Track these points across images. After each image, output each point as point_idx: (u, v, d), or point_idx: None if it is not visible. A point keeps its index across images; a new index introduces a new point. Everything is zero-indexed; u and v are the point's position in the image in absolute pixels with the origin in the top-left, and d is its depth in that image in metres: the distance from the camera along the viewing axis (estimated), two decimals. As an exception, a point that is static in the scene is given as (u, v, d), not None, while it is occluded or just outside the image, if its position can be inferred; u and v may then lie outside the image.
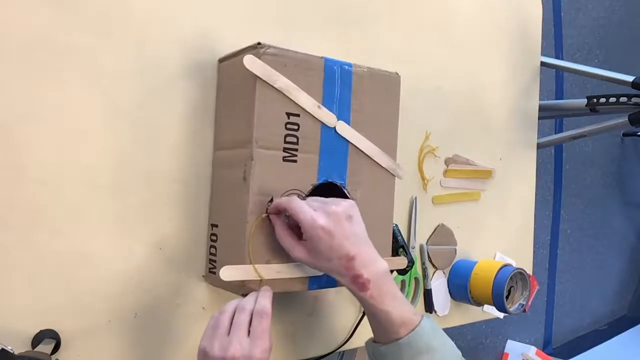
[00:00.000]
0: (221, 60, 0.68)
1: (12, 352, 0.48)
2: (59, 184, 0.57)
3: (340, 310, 0.82)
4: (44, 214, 0.57)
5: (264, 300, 0.54)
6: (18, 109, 0.55)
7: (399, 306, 0.58)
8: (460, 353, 0.61)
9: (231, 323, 0.53)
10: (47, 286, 0.57)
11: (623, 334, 2.89)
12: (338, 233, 0.57)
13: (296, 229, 0.60)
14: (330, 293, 0.80)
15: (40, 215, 0.56)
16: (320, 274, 0.65)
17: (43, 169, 0.57)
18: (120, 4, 0.61)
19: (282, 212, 0.61)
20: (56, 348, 0.56)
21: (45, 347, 0.54)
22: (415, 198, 0.92)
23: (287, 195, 0.62)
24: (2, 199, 0.54)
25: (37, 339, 0.55)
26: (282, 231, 0.60)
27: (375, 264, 0.58)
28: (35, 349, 0.54)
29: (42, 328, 0.56)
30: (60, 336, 0.57)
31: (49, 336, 0.56)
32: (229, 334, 0.52)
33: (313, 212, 0.57)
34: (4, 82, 0.54)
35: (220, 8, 0.69)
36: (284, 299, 0.73)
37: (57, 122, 0.57)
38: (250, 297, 0.56)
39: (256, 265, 0.60)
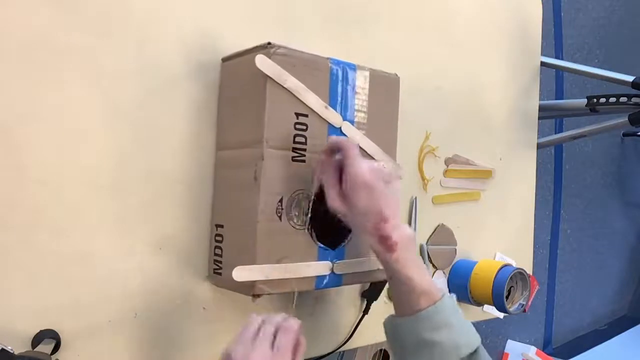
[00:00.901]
0: (225, 60, 0.68)
1: (12, 352, 0.48)
2: (59, 184, 0.57)
3: (340, 310, 0.82)
4: (44, 214, 0.57)
5: (293, 320, 0.54)
6: (18, 109, 0.55)
7: (422, 275, 0.59)
8: (479, 337, 0.60)
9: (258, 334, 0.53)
10: (47, 286, 0.57)
11: (623, 334, 2.89)
12: (379, 190, 0.58)
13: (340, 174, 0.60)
14: (331, 293, 0.80)
15: (40, 215, 0.56)
16: (327, 273, 0.65)
17: (43, 169, 0.57)
18: (120, 4, 0.61)
19: (335, 153, 0.61)
20: (56, 348, 0.56)
21: (45, 347, 0.54)
22: (415, 198, 0.92)
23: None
24: (2, 199, 0.54)
25: (37, 339, 0.55)
26: (328, 172, 0.60)
27: (404, 229, 0.60)
28: (35, 349, 0.54)
29: (42, 328, 0.56)
30: (60, 336, 0.57)
31: (49, 336, 0.56)
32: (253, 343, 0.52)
33: (363, 163, 0.58)
34: (4, 82, 0.54)
35: (221, 8, 0.69)
36: (284, 299, 0.73)
37: (57, 122, 0.57)
38: (280, 315, 0.56)
39: (266, 266, 0.60)
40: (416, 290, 0.58)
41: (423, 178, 0.93)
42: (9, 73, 0.54)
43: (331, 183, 0.60)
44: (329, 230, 0.68)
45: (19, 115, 0.55)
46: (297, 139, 0.62)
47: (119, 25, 0.61)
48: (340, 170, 0.60)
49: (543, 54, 1.21)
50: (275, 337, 0.53)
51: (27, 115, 0.56)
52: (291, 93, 0.61)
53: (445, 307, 0.58)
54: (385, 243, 0.58)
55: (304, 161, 0.63)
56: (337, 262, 0.67)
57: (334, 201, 0.60)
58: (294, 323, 0.54)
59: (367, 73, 0.68)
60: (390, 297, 0.88)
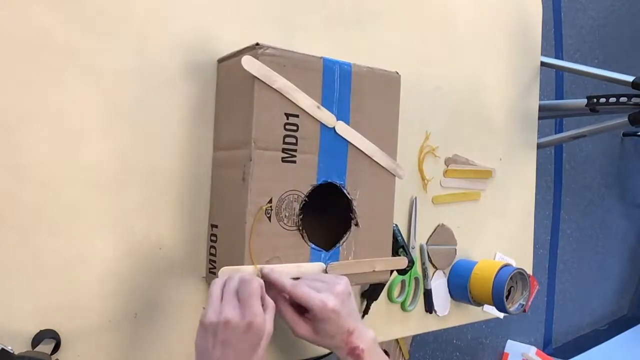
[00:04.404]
0: (220, 61, 0.68)
1: (12, 352, 0.48)
2: (59, 184, 0.57)
3: (340, 310, 0.82)
4: (44, 214, 0.57)
5: (254, 277, 0.56)
6: (18, 109, 0.55)
7: None
8: None
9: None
10: (47, 286, 0.57)
11: (623, 334, 2.90)
12: (344, 312, 0.59)
13: (296, 305, 0.60)
14: (330, 293, 0.80)
15: (40, 215, 0.56)
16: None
17: (43, 169, 0.57)
18: (120, 4, 0.61)
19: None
20: (56, 348, 0.56)
21: (45, 347, 0.54)
22: (415, 198, 0.92)
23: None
24: (2, 199, 0.54)
25: (37, 339, 0.55)
26: (285, 308, 0.61)
27: (367, 334, 0.61)
28: (35, 349, 0.54)
29: (42, 328, 0.56)
30: (60, 336, 0.57)
31: (49, 336, 0.56)
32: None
33: (321, 295, 0.58)
34: (4, 82, 0.54)
35: (220, 8, 0.69)
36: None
37: (57, 122, 0.57)
38: (242, 270, 0.58)
39: (255, 266, 0.60)
40: None
41: (423, 178, 0.93)
42: (9, 73, 0.54)
43: (293, 315, 0.60)
44: (323, 231, 0.68)
45: (19, 115, 0.55)
46: (288, 139, 0.62)
47: (119, 25, 0.61)
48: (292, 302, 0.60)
49: (543, 54, 1.22)
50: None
51: (27, 115, 0.56)
52: (281, 94, 0.61)
53: None
54: (354, 353, 0.60)
55: (294, 162, 0.63)
56: (331, 263, 0.66)
57: (301, 331, 0.60)
58: (255, 277, 0.55)
59: (365, 72, 0.68)
60: (390, 298, 0.88)
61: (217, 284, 0.55)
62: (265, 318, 0.53)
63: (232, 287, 0.54)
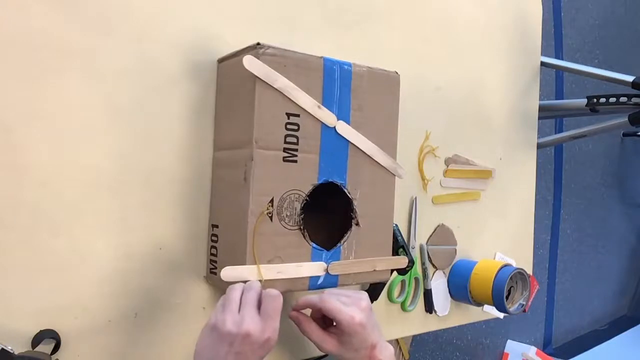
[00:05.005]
0: (220, 61, 0.68)
1: (12, 352, 0.48)
2: (59, 184, 0.57)
3: (340, 310, 0.82)
4: (44, 214, 0.57)
5: (274, 290, 0.56)
6: (18, 109, 0.55)
7: None
8: None
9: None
10: (47, 286, 0.57)
11: (623, 334, 2.90)
12: (369, 325, 0.61)
13: (319, 320, 0.62)
14: (330, 293, 0.80)
15: (40, 215, 0.56)
16: (320, 274, 0.65)
17: (43, 169, 0.57)
18: (120, 4, 0.61)
19: (311, 309, 0.63)
20: (56, 348, 0.56)
21: (45, 347, 0.54)
22: (415, 198, 0.92)
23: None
24: (2, 199, 0.54)
25: (37, 339, 0.55)
26: (309, 326, 0.62)
27: (388, 349, 0.63)
28: (35, 349, 0.54)
29: (42, 328, 0.56)
30: (60, 336, 0.57)
31: (49, 336, 0.56)
32: (239, 311, 0.53)
33: (349, 309, 0.60)
34: (4, 82, 0.54)
35: (221, 8, 0.69)
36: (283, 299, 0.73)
37: (57, 122, 0.57)
38: (257, 282, 0.58)
39: (256, 266, 0.60)
40: None
41: (423, 178, 0.93)
42: (9, 73, 0.54)
43: (319, 332, 0.62)
44: (324, 230, 0.68)
45: (19, 115, 0.55)
46: (289, 139, 0.62)
47: (119, 25, 0.61)
48: (318, 315, 0.63)
49: (543, 54, 1.22)
50: (259, 302, 0.54)
51: (27, 115, 0.56)
52: (282, 93, 0.61)
53: None
54: None
55: (295, 161, 0.63)
56: (332, 262, 0.66)
57: (328, 346, 0.61)
58: (276, 290, 0.55)
59: (364, 71, 0.68)
60: (390, 298, 0.88)
61: (236, 290, 0.55)
62: None
63: (251, 297, 0.54)
